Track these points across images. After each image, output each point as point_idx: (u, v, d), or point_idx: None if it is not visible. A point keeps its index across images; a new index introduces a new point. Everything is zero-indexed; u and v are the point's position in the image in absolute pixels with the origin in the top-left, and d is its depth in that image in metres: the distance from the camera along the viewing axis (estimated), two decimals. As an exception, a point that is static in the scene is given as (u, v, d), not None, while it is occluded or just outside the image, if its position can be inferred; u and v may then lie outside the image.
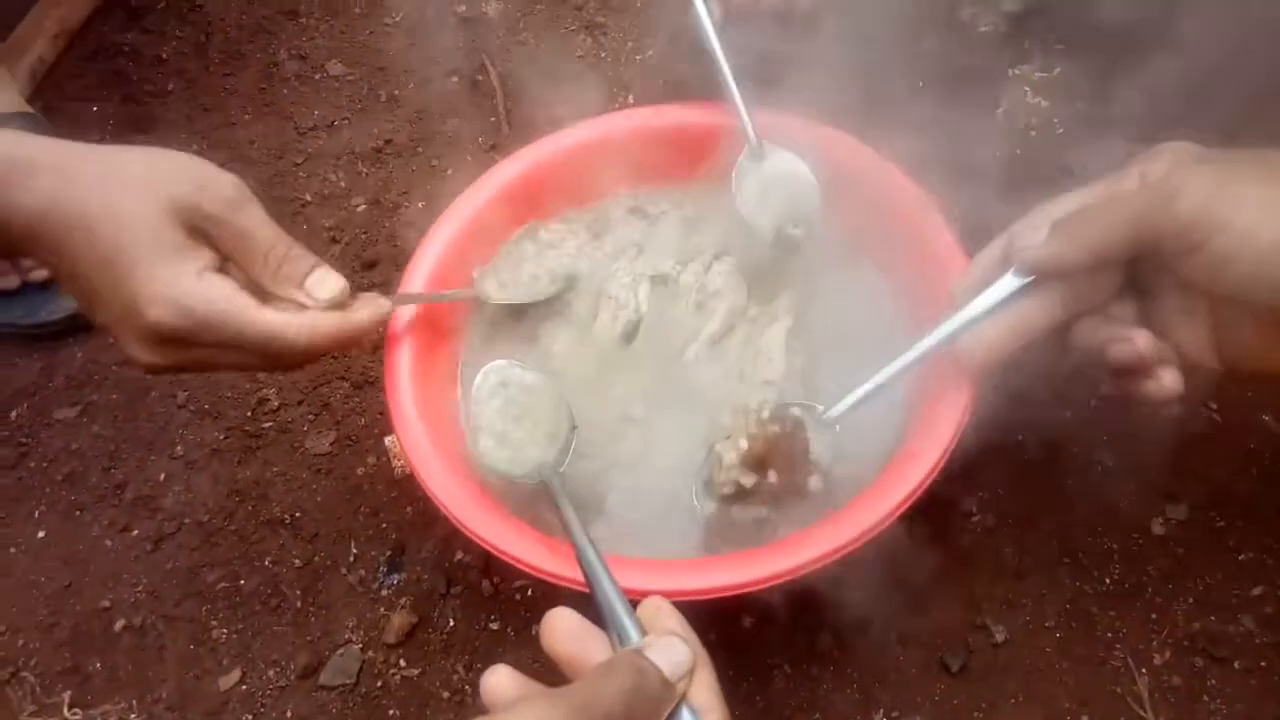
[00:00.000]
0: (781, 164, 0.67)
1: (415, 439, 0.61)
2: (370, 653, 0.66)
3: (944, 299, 0.57)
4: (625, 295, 0.69)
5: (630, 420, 0.65)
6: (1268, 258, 0.45)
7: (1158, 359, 0.49)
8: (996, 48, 0.89)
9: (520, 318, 0.69)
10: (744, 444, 0.56)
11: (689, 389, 0.66)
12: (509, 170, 0.71)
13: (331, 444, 0.76)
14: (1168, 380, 0.50)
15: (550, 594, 0.66)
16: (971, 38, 0.91)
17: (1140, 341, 0.49)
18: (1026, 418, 0.70)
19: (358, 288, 0.82)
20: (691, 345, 0.66)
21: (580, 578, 0.52)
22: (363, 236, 0.87)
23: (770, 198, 0.66)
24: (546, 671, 0.65)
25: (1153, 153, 0.51)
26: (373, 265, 0.85)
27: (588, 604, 0.52)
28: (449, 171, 0.91)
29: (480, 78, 0.97)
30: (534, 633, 0.66)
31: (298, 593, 0.69)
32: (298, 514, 0.73)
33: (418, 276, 0.67)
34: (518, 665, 0.64)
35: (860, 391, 0.56)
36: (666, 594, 0.52)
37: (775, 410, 0.58)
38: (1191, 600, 0.63)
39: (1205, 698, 0.59)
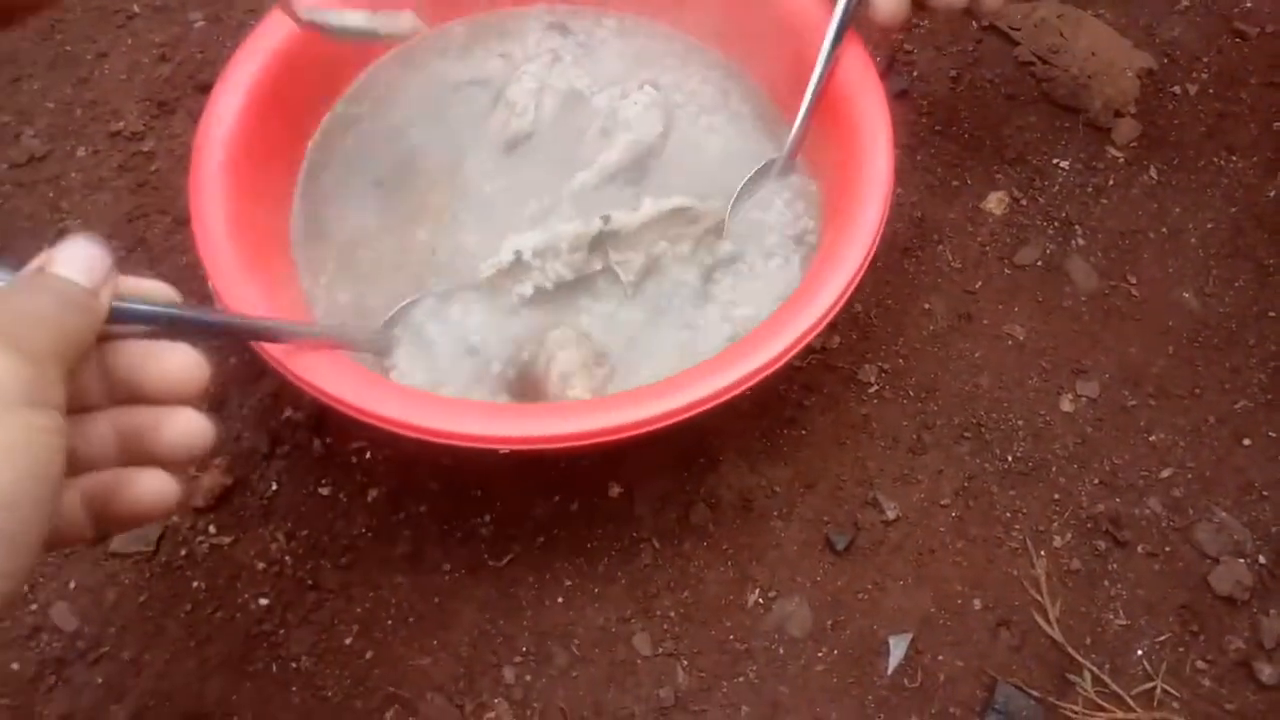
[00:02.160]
0: None
1: (228, 269, 0.50)
2: (175, 518, 0.56)
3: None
4: (525, 102, 0.59)
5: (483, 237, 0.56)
6: None
7: None
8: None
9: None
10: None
11: (561, 214, 0.57)
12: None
13: (145, 284, 0.64)
14: None
15: (392, 455, 0.58)
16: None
17: None
18: (935, 282, 0.64)
19: (189, 112, 0.72)
20: (580, 173, 0.57)
21: (435, 428, 0.44)
22: (198, 56, 0.75)
23: None
24: (380, 542, 0.57)
25: None
26: (207, 88, 0.73)
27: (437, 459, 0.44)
28: (309, -9, 0.78)
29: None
30: (371, 499, 0.57)
31: (91, 449, 0.59)
32: (98, 361, 0.62)
33: (228, 104, 0.55)
34: (352, 535, 0.57)
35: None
36: (520, 441, 0.45)
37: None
38: (1097, 481, 0.58)
39: (1105, 582, 0.55)
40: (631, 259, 0.54)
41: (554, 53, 0.60)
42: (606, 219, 0.53)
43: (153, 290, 0.34)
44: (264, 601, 0.55)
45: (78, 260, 0.30)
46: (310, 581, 0.55)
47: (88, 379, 0.32)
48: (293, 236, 0.56)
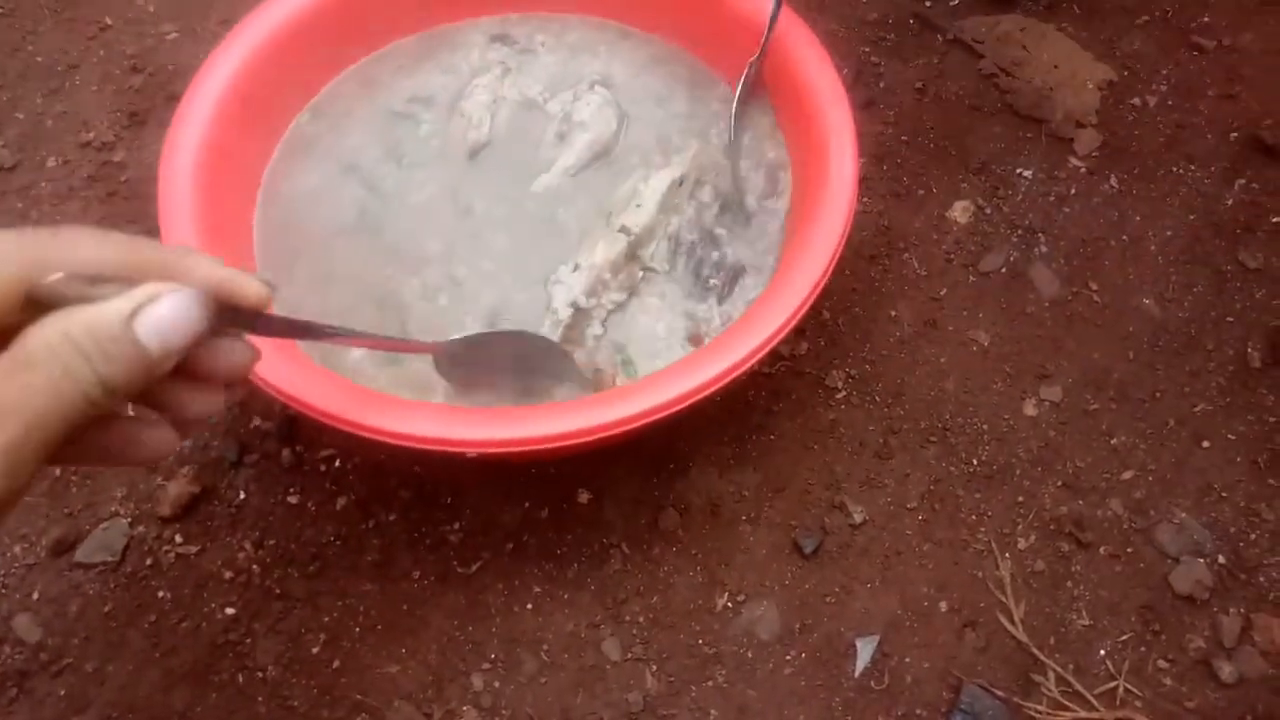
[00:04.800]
0: None
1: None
2: (140, 527, 0.56)
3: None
4: (480, 114, 0.60)
5: (456, 256, 0.56)
6: None
7: None
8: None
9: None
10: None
11: (537, 220, 0.57)
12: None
13: (113, 294, 0.64)
14: None
15: (361, 464, 0.58)
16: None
17: None
18: (901, 289, 0.65)
19: (160, 123, 0.72)
20: (542, 176, 0.58)
21: (402, 431, 0.44)
22: (170, 68, 0.75)
23: None
24: (349, 550, 0.57)
25: None
26: (178, 99, 0.73)
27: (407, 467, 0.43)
28: (280, 4, 0.79)
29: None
30: (340, 507, 0.57)
31: (57, 459, 0.58)
32: (65, 371, 0.61)
33: (197, 113, 0.55)
34: (321, 544, 0.57)
35: None
36: (487, 444, 0.45)
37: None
38: (1060, 483, 0.58)
39: (1068, 583, 0.55)
40: (659, 249, 0.55)
41: (503, 64, 0.61)
42: (627, 229, 0.54)
43: (251, 296, 0.33)
44: (230, 611, 0.54)
45: (164, 324, 0.29)
46: (278, 590, 0.55)
47: None
48: (256, 241, 0.56)
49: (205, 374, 0.32)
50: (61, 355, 0.27)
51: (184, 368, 0.31)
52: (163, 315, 0.29)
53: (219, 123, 0.56)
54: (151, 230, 0.66)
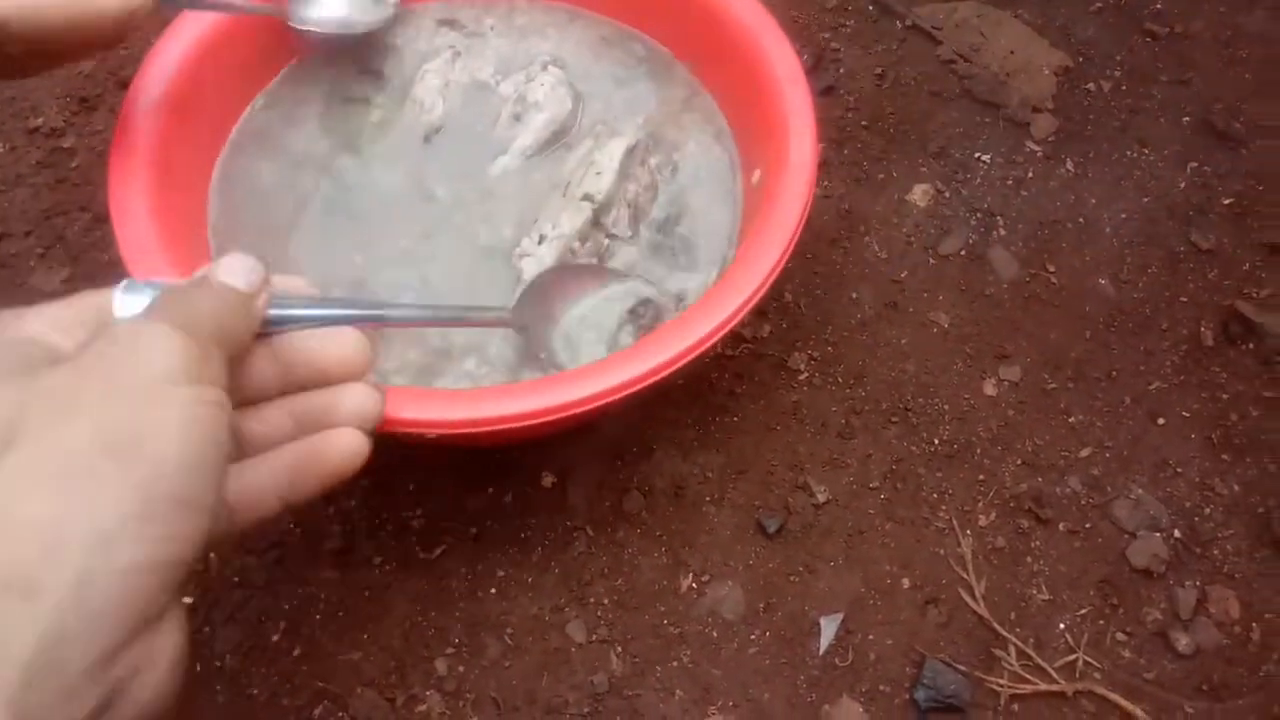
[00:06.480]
0: None
1: (148, 263, 0.49)
2: (94, 518, 0.55)
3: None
4: (432, 99, 0.59)
5: (418, 240, 0.56)
6: None
7: None
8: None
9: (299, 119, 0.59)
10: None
11: (498, 201, 0.57)
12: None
13: (64, 282, 0.63)
14: None
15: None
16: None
17: None
18: (862, 272, 0.65)
19: (110, 109, 0.70)
20: (500, 158, 0.57)
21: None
22: (121, 53, 0.73)
23: None
24: (309, 538, 0.56)
25: None
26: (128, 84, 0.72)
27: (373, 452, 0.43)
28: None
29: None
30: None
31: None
32: (14, 360, 0.60)
33: (146, 103, 0.54)
34: (280, 532, 0.56)
35: None
36: (439, 425, 0.44)
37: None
38: (1020, 461, 0.59)
39: (1028, 559, 0.56)
40: (620, 215, 0.55)
41: (452, 48, 0.61)
42: (590, 197, 0.54)
43: (299, 289, 0.37)
44: (188, 600, 0.53)
45: (236, 270, 0.34)
46: (236, 579, 0.54)
47: (262, 370, 0.35)
48: (211, 232, 0.55)
49: (330, 368, 0.36)
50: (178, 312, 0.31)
51: (312, 376, 0.35)
52: (229, 263, 0.34)
53: (170, 112, 0.54)
54: (100, 217, 0.65)
